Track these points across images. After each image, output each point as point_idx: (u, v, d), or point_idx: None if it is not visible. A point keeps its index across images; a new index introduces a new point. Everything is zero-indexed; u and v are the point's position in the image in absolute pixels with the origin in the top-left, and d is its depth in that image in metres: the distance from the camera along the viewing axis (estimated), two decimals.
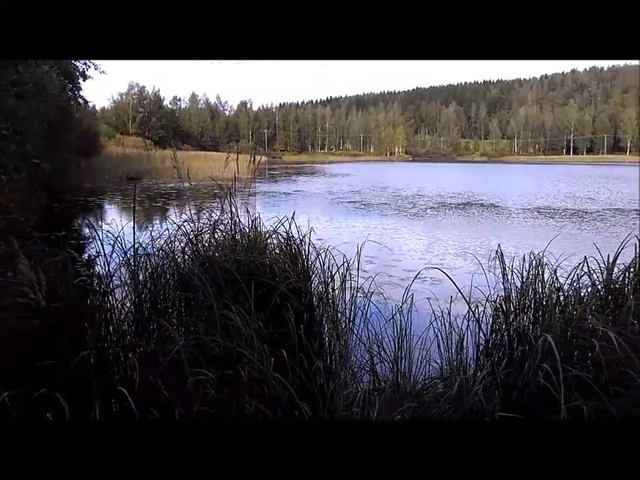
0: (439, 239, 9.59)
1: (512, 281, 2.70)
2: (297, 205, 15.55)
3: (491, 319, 2.61)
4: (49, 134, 14.27)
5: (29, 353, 2.01)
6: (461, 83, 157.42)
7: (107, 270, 2.49)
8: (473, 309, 2.58)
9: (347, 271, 3.01)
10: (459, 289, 2.55)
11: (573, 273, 2.67)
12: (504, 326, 2.53)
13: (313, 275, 3.04)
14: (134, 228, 2.52)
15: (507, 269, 2.72)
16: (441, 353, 2.74)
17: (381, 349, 2.77)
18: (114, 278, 2.51)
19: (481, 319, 2.58)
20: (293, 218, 3.15)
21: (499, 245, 2.86)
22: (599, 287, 2.63)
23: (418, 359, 2.76)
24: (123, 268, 2.57)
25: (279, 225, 3.13)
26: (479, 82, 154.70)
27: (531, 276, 2.71)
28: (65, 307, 2.26)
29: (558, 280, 2.66)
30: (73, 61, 17.43)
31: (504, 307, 2.59)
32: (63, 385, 1.82)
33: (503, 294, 2.63)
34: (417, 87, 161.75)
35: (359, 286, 3.00)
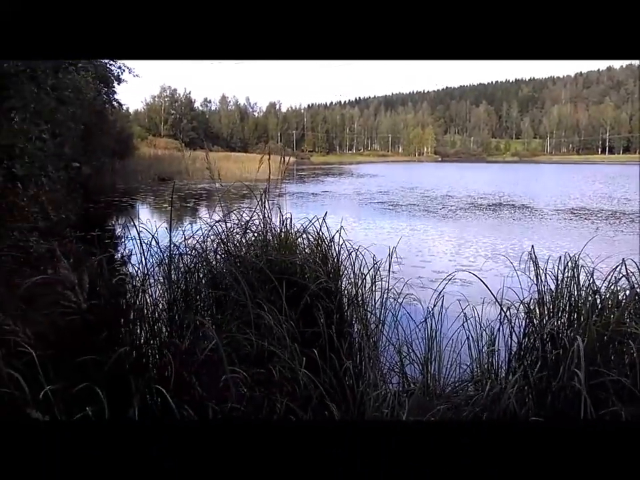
0: (469, 240, 9.46)
1: (545, 283, 2.65)
2: (324, 205, 15.57)
3: (523, 321, 2.57)
4: (84, 136, 14.69)
5: (70, 349, 2.07)
6: (492, 82, 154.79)
7: (142, 268, 2.55)
8: (505, 312, 2.54)
9: (376, 271, 3.01)
10: (490, 291, 2.52)
11: (610, 276, 2.60)
12: (537, 329, 2.49)
13: (343, 275, 3.05)
14: (170, 228, 2.58)
15: (541, 270, 2.67)
16: (472, 356, 2.71)
17: (410, 351, 2.77)
18: (147, 277, 2.56)
19: (513, 321, 2.54)
20: (324, 218, 3.17)
21: (532, 246, 2.81)
22: (638, 290, 2.56)
23: (448, 362, 2.74)
24: (157, 267, 2.63)
25: (310, 225, 3.15)
26: (511, 80, 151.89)
27: (565, 278, 2.65)
28: (103, 305, 2.32)
29: (594, 283, 2.60)
30: (108, 65, 17.88)
31: (537, 309, 2.55)
32: (102, 381, 1.87)
33: (536, 296, 2.59)
34: (447, 87, 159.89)
35: (389, 287, 3.00)
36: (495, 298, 2.52)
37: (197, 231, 3.12)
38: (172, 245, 2.60)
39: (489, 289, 2.52)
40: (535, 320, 2.54)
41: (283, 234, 3.08)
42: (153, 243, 2.63)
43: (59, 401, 1.68)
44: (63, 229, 5.28)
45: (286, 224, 3.16)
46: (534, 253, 2.75)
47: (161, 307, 2.52)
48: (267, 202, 3.17)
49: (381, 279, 3.01)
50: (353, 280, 3.01)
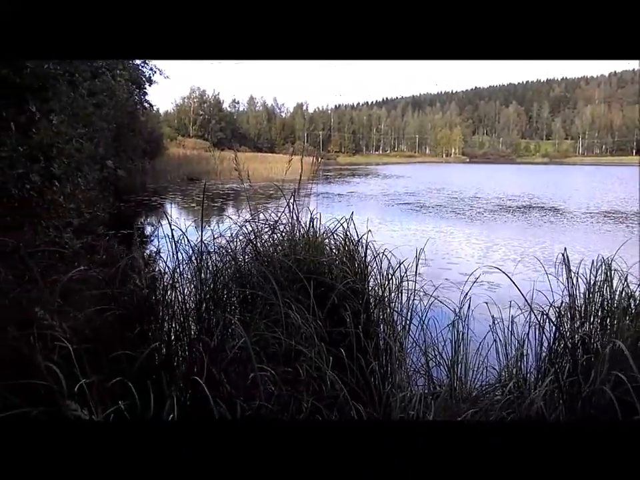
0: (497, 242, 9.32)
1: (577, 287, 2.60)
2: (350, 206, 15.55)
3: (553, 325, 2.53)
4: (116, 136, 15.03)
5: (104, 344, 2.13)
6: (523, 82, 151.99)
7: (172, 266, 2.60)
8: (538, 315, 2.50)
9: (403, 273, 3.00)
10: (521, 293, 2.48)
11: None
12: (568, 333, 2.45)
13: (370, 276, 3.06)
14: (201, 227, 2.63)
15: (572, 274, 2.62)
16: (499, 359, 2.68)
17: (437, 353, 2.75)
18: (177, 274, 2.62)
19: (543, 325, 2.50)
20: (351, 218, 3.18)
21: (564, 248, 2.75)
22: None
23: (475, 365, 2.71)
24: (186, 265, 2.68)
25: (338, 225, 3.17)
26: (542, 80, 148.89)
27: (598, 282, 2.60)
28: (135, 301, 2.38)
29: (629, 286, 2.54)
30: (140, 67, 18.25)
31: (568, 313, 2.50)
32: (134, 375, 1.92)
33: (567, 300, 2.54)
34: (476, 87, 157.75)
35: (415, 288, 2.99)
36: (526, 300, 2.48)
37: (226, 230, 3.16)
38: (202, 244, 2.64)
39: (519, 290, 2.48)
40: (565, 324, 2.49)
41: (310, 234, 3.11)
42: (182, 241, 2.67)
43: (93, 394, 1.72)
44: (96, 226, 5.43)
45: (313, 224, 3.18)
46: (566, 255, 2.71)
47: (190, 304, 2.56)
48: (295, 202, 3.20)
49: (407, 280, 3.01)
50: (379, 281, 3.01)
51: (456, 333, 2.70)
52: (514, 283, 2.48)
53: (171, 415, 1.68)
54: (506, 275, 2.59)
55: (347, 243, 3.12)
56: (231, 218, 3.22)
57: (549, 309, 2.58)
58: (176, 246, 2.61)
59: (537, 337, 2.53)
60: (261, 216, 3.29)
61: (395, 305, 2.99)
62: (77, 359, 1.80)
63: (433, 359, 2.74)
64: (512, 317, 2.67)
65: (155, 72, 21.02)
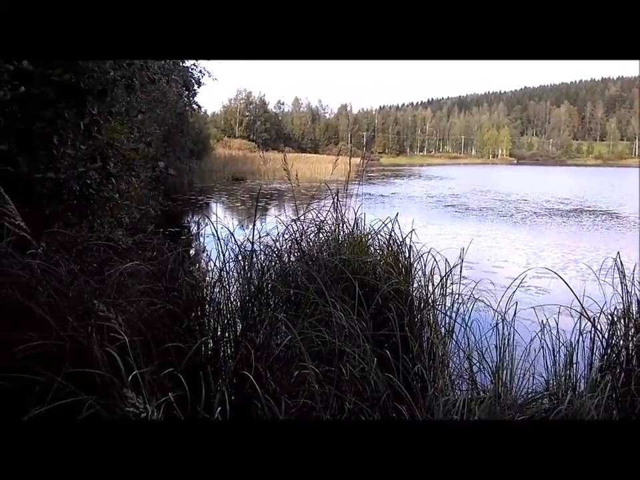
0: (545, 246, 9.04)
1: (632, 293, 2.50)
2: (393, 207, 15.42)
3: (606, 333, 2.44)
4: (166, 137, 15.49)
5: (154, 336, 2.21)
6: (576, 81, 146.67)
7: (219, 264, 2.67)
8: (586, 322, 2.43)
9: (447, 275, 2.97)
10: (576, 297, 2.40)
11: None
12: (622, 341, 2.36)
13: (413, 278, 3.04)
14: (253, 226, 2.69)
15: (627, 280, 2.52)
16: (547, 367, 2.61)
17: (481, 357, 2.70)
18: (223, 272, 2.68)
19: (595, 332, 2.42)
20: (396, 219, 3.18)
21: (617, 252, 2.65)
22: None
23: (521, 371, 2.65)
24: (232, 263, 2.74)
25: (382, 225, 3.17)
26: (597, 79, 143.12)
27: None
28: (184, 296, 2.46)
29: None
30: (190, 69, 18.69)
31: (622, 320, 2.41)
32: (183, 369, 1.98)
33: (622, 307, 2.45)
34: (525, 87, 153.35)
35: (460, 291, 2.95)
36: (581, 304, 2.41)
37: (272, 229, 3.22)
38: (250, 243, 2.71)
39: (574, 294, 2.40)
40: (619, 332, 2.40)
41: (355, 234, 3.13)
42: (226, 239, 2.74)
43: (146, 385, 1.79)
44: (146, 224, 5.63)
45: (358, 224, 3.20)
46: (620, 261, 2.61)
47: (236, 301, 2.63)
48: (340, 203, 3.22)
49: (452, 282, 2.97)
50: (423, 282, 2.99)
51: (500, 337, 2.65)
52: (568, 285, 2.40)
53: (219, 409, 1.73)
54: (560, 277, 2.53)
55: (391, 244, 3.12)
56: (279, 218, 3.27)
57: (600, 315, 2.49)
58: (224, 244, 2.68)
59: (588, 345, 2.45)
60: (307, 216, 3.33)
61: (439, 307, 2.97)
62: (131, 350, 1.87)
63: (477, 364, 2.70)
64: (560, 323, 2.60)
65: (204, 74, 21.50)
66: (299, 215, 3.23)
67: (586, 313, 2.43)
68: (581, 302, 2.50)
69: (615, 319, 2.43)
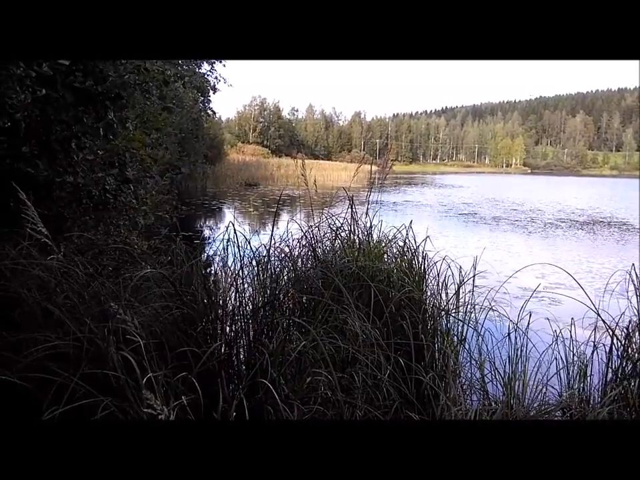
0: (559, 257, 8.96)
1: None
2: (405, 215, 15.37)
3: (621, 346, 2.42)
4: (181, 142, 15.66)
5: (168, 340, 2.23)
6: (592, 91, 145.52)
7: (233, 269, 2.69)
8: (600, 335, 2.41)
9: (460, 285, 2.97)
10: (594, 310, 2.37)
11: None
12: (637, 354, 2.33)
13: (427, 287, 3.04)
14: (272, 232, 2.71)
15: None
16: (560, 379, 2.59)
17: (493, 368, 2.69)
18: (237, 277, 2.70)
19: (608, 345, 2.40)
20: (410, 227, 3.18)
21: (632, 264, 2.63)
22: None
23: (533, 383, 2.63)
24: (246, 268, 2.76)
25: (397, 233, 3.18)
26: (613, 89, 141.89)
27: None
28: (199, 300, 2.48)
29: None
30: (206, 75, 18.90)
31: (637, 333, 2.39)
32: (196, 373, 1.99)
33: (637, 319, 2.42)
34: (540, 96, 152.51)
35: (472, 301, 2.94)
36: (599, 315, 2.38)
37: (287, 235, 3.24)
38: (265, 249, 2.72)
39: (593, 304, 2.38)
40: (634, 344, 2.38)
41: (370, 241, 3.13)
42: (241, 245, 2.76)
43: (160, 387, 1.81)
44: (161, 228, 5.69)
45: (372, 232, 3.21)
46: (636, 272, 2.58)
47: (250, 307, 2.64)
48: (354, 210, 3.23)
49: (465, 292, 2.97)
50: (436, 291, 2.99)
51: (513, 347, 2.63)
52: (585, 292, 2.38)
53: (234, 413, 1.74)
54: (578, 283, 2.50)
55: (405, 251, 3.12)
56: (297, 222, 3.28)
57: (615, 327, 2.47)
58: (238, 249, 2.70)
59: (602, 358, 2.43)
60: (323, 222, 3.34)
61: (452, 316, 2.96)
62: (145, 352, 1.90)
63: (489, 374, 2.68)
64: (574, 334, 2.58)
65: (220, 80, 21.72)
66: (317, 222, 3.24)
67: (604, 325, 2.40)
68: (598, 313, 2.48)
69: (630, 330, 2.41)
